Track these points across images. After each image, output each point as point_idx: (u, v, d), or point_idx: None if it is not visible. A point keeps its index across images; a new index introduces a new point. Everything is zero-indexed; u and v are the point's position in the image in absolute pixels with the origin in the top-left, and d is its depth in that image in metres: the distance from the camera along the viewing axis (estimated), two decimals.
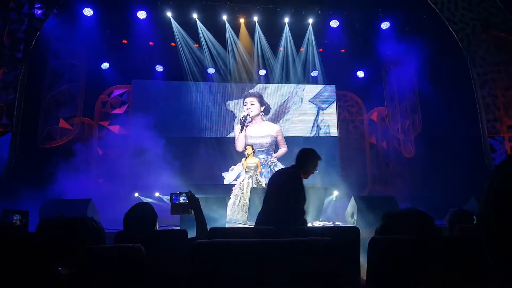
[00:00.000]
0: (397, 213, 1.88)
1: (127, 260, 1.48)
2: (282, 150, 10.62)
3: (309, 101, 10.67)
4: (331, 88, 10.57)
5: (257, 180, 7.78)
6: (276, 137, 10.75)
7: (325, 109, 10.74)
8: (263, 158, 10.26)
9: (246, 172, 7.89)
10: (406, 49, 9.00)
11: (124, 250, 1.54)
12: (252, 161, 7.91)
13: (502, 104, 7.97)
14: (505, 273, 0.52)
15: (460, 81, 8.41)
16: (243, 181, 7.84)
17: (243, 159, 8.08)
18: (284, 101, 10.77)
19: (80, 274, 0.67)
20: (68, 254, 0.64)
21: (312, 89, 10.54)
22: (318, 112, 10.77)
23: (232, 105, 10.56)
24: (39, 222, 1.92)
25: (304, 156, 3.49)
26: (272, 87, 10.54)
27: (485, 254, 0.56)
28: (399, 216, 1.84)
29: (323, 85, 10.49)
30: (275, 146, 10.73)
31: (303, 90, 10.58)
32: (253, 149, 8.12)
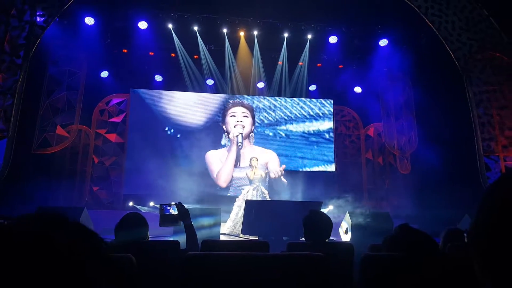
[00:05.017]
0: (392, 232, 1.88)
1: (117, 270, 1.47)
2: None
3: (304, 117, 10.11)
4: (329, 102, 10.55)
5: (262, 192, 7.71)
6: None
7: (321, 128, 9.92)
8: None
9: (251, 184, 7.83)
10: (403, 66, 9.11)
11: (114, 260, 1.52)
12: (258, 172, 7.88)
13: (497, 123, 8.04)
14: None
15: (456, 99, 8.50)
16: (247, 192, 7.79)
17: (249, 171, 8.00)
18: (278, 118, 9.78)
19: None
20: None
21: (309, 104, 10.48)
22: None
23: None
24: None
25: None
26: (269, 101, 10.07)
27: (475, 272, 0.56)
28: (393, 234, 1.85)
29: (321, 100, 10.50)
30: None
31: (301, 105, 10.43)
32: (258, 161, 8.07)
